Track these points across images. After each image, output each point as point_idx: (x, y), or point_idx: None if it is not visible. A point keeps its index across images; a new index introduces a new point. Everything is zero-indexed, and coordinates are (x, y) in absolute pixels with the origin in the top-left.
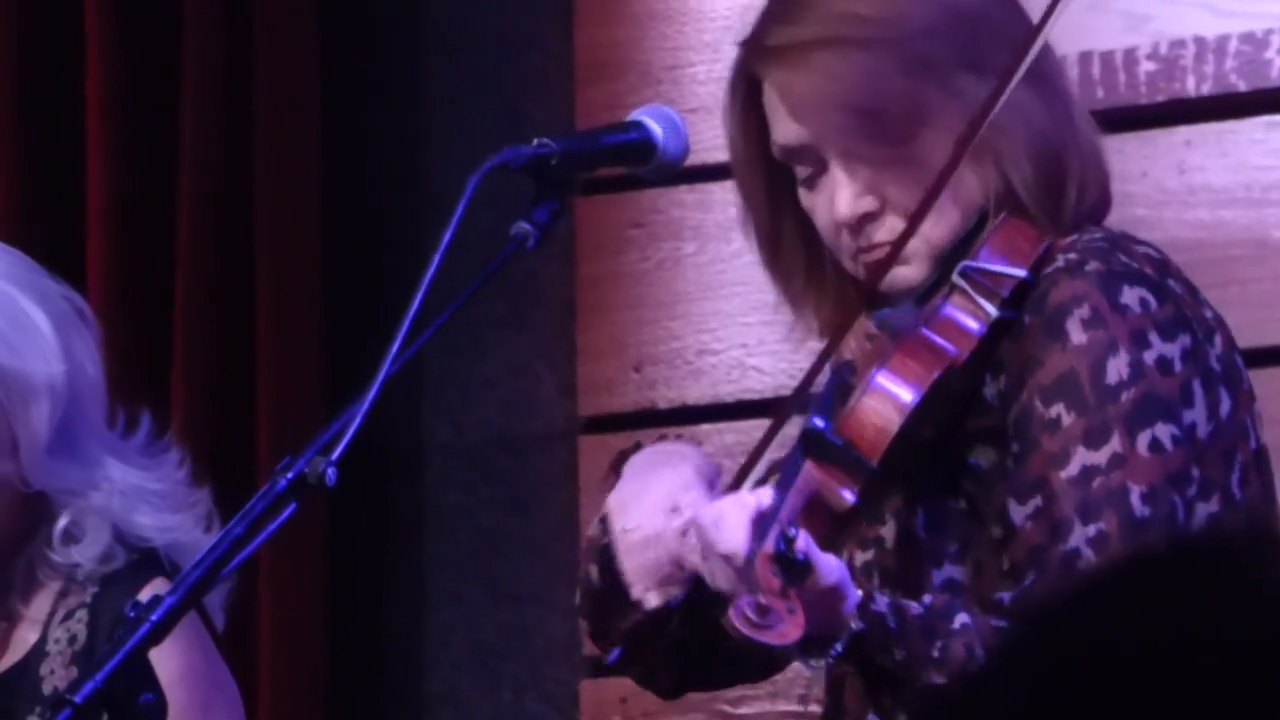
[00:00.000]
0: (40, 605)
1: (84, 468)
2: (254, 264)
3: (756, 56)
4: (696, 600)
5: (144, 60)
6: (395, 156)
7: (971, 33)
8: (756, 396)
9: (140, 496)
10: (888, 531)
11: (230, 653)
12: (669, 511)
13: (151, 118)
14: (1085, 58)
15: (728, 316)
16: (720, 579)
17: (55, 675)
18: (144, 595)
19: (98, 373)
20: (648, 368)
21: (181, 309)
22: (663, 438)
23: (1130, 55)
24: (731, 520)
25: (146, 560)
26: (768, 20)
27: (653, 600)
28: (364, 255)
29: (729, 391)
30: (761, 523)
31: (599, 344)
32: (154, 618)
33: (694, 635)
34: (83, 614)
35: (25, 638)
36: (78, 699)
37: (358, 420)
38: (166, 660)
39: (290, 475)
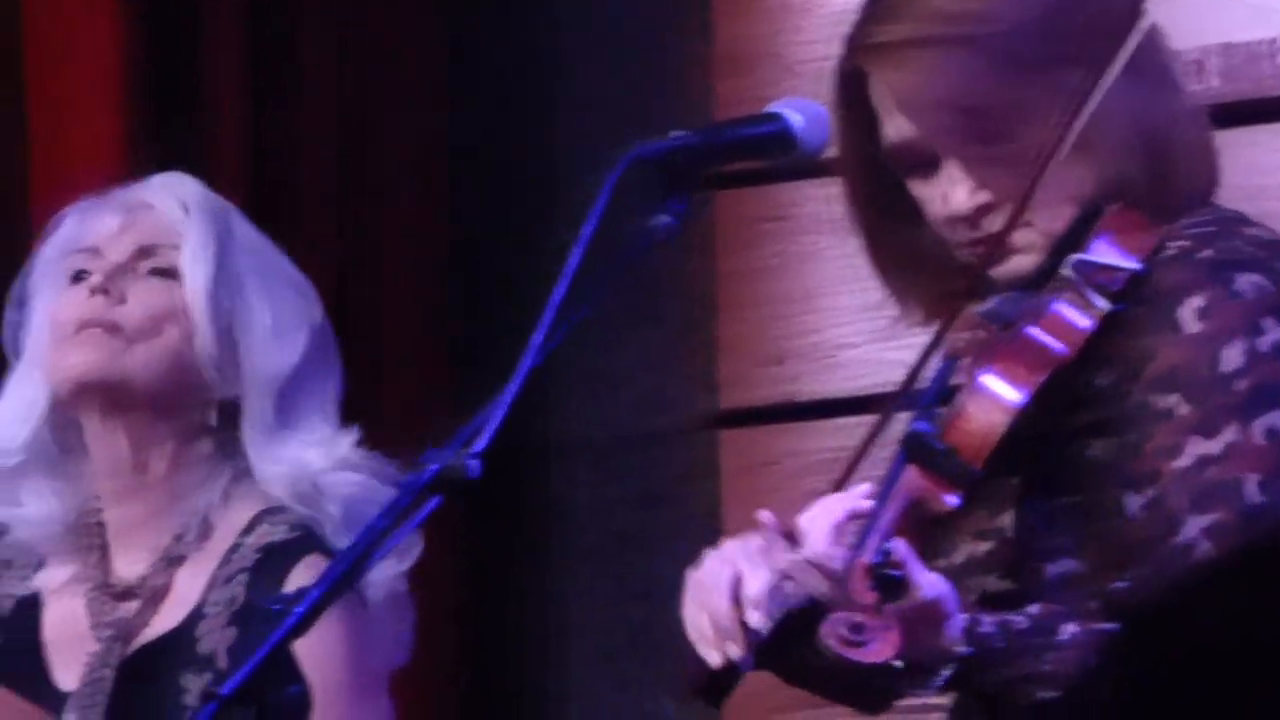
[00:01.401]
0: (202, 568)
1: (293, 414)
2: (381, 260)
3: (860, 54)
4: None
5: (262, 42)
6: (530, 150)
7: (1069, 24)
8: (896, 389)
9: (339, 464)
10: (1005, 521)
11: None
12: (723, 563)
13: (272, 100)
14: (1227, 49)
15: (867, 310)
16: (813, 590)
17: (213, 635)
18: (301, 568)
19: (334, 370)
20: (788, 361)
21: None
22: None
23: (1272, 46)
24: (817, 529)
25: (307, 537)
26: (868, 18)
27: (714, 658)
28: (496, 251)
29: (868, 385)
30: (858, 532)
31: (739, 338)
32: (299, 610)
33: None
34: (243, 577)
35: (188, 596)
36: (224, 692)
37: (501, 412)
38: (327, 654)
39: (433, 468)
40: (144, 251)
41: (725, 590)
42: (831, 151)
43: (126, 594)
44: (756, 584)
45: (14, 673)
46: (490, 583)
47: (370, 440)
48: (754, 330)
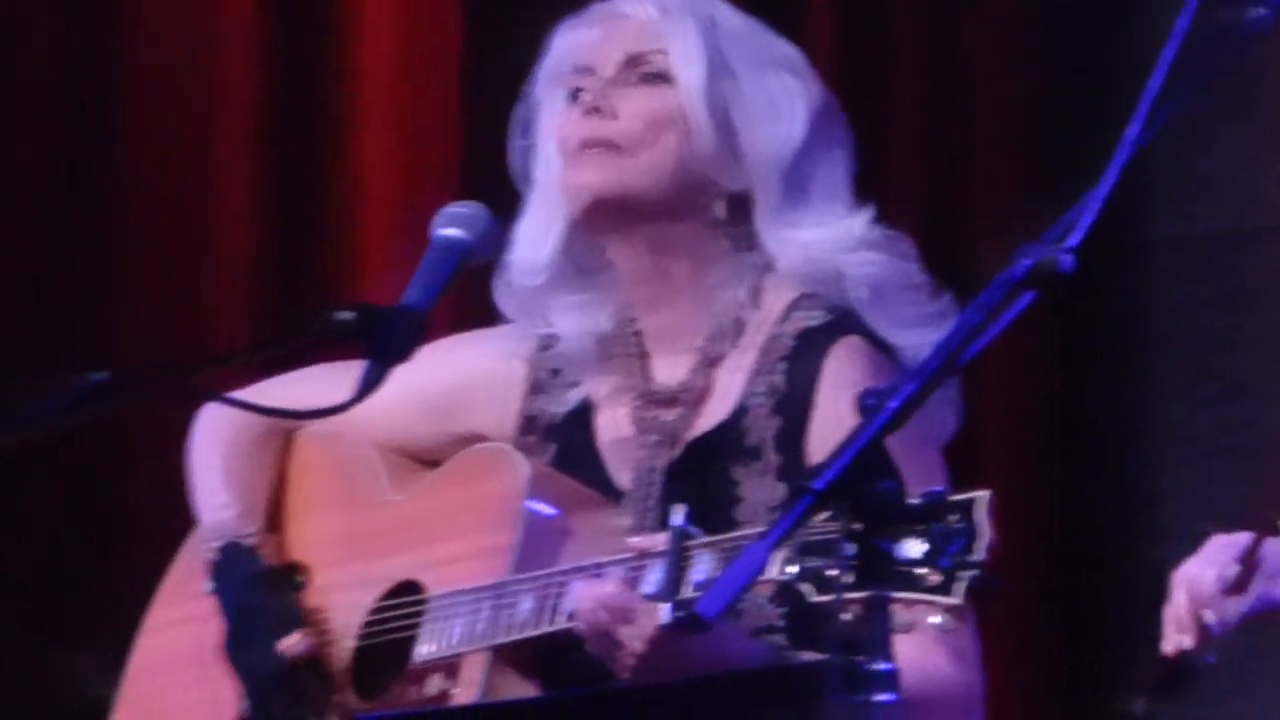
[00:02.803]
0: (741, 363)
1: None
2: (973, 61)
3: None
4: None
5: None
6: None
7: None
8: None
9: (856, 243)
10: None
11: (955, 445)
12: (1195, 561)
13: None
14: None
15: None
16: None
17: (758, 426)
18: (838, 350)
19: (843, 148)
20: None
21: (899, 115)
22: None
23: None
24: None
25: (843, 319)
26: None
27: (1167, 646)
28: (1087, 46)
29: None
30: None
31: None
32: (892, 405)
33: None
34: (782, 366)
35: (730, 392)
36: (818, 486)
37: (1095, 208)
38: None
39: (1027, 262)
40: (631, 61)
41: (1186, 587)
42: None
43: (670, 400)
44: (1208, 584)
45: (575, 473)
46: (1081, 380)
47: (965, 240)
48: None
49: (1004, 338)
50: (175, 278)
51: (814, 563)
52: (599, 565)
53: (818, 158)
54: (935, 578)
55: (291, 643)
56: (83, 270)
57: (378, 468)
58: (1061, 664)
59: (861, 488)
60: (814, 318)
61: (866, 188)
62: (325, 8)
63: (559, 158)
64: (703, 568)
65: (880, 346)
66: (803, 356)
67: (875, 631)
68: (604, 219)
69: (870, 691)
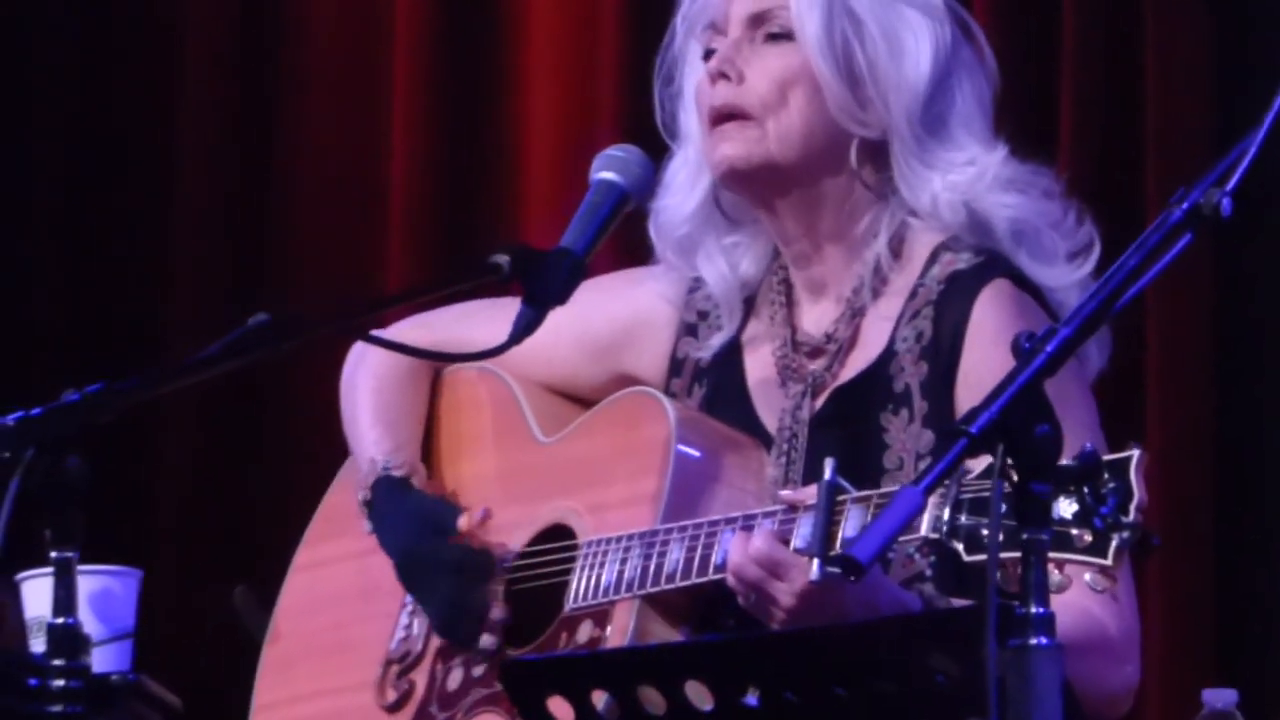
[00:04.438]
0: (887, 311)
1: (944, 144)
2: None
3: None
4: None
5: None
6: None
7: None
8: None
9: (995, 182)
10: None
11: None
12: None
13: None
14: None
15: None
16: None
17: (905, 373)
18: (987, 293)
19: (977, 81)
20: None
21: (1072, 51)
22: None
23: None
24: None
25: (990, 262)
26: None
27: None
28: None
29: None
30: None
31: None
32: (1048, 349)
33: None
34: (928, 310)
35: (876, 340)
36: (973, 430)
37: (1252, 151)
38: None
39: (1184, 205)
40: (756, 20)
41: None
42: None
43: (815, 350)
44: None
45: (724, 416)
46: (1244, 325)
47: (1137, 183)
48: None
49: (1166, 277)
50: (346, 222)
51: (967, 521)
52: (749, 517)
53: (951, 96)
54: (1088, 538)
55: (467, 517)
56: (257, 214)
57: (524, 409)
58: (1217, 610)
59: (1017, 432)
60: (961, 260)
61: (1034, 132)
62: None
63: (698, 122)
64: (854, 523)
65: (1028, 288)
66: (950, 301)
67: (1031, 578)
68: (746, 187)
69: (1026, 637)
